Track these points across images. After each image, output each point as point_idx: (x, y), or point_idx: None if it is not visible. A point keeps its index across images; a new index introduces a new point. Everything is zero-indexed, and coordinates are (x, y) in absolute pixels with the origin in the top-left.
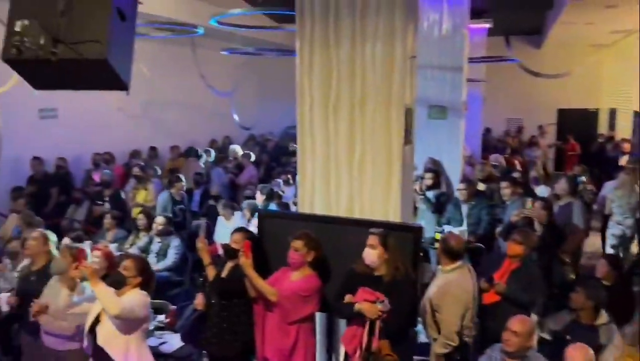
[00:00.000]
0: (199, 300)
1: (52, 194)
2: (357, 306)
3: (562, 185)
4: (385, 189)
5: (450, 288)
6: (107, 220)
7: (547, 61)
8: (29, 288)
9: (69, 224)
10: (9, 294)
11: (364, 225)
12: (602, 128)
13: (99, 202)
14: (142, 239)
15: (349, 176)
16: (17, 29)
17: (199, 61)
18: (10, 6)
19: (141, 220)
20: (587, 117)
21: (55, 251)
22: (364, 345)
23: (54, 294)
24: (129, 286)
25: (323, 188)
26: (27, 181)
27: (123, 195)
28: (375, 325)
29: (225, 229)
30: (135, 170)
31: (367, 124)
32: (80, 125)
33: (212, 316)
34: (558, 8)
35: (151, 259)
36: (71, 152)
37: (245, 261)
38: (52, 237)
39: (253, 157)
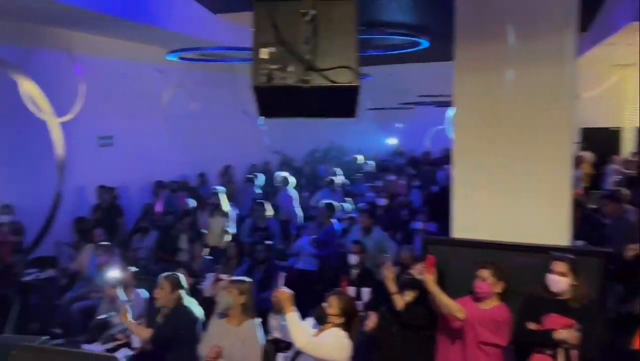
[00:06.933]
0: (373, 320)
1: (118, 224)
2: (558, 335)
3: None
4: (552, 215)
5: None
6: (197, 248)
7: None
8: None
9: (137, 254)
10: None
11: (542, 251)
12: (628, 147)
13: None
14: (239, 268)
15: (511, 201)
16: (264, 56)
17: (236, 87)
18: (254, 34)
19: (232, 248)
20: (610, 136)
21: (186, 296)
22: None
23: (224, 333)
24: (330, 324)
25: (481, 213)
26: (93, 209)
27: None
28: (570, 354)
29: None
30: (215, 198)
31: (533, 149)
32: (131, 153)
33: (392, 347)
34: (601, 31)
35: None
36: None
37: (429, 277)
38: (182, 280)
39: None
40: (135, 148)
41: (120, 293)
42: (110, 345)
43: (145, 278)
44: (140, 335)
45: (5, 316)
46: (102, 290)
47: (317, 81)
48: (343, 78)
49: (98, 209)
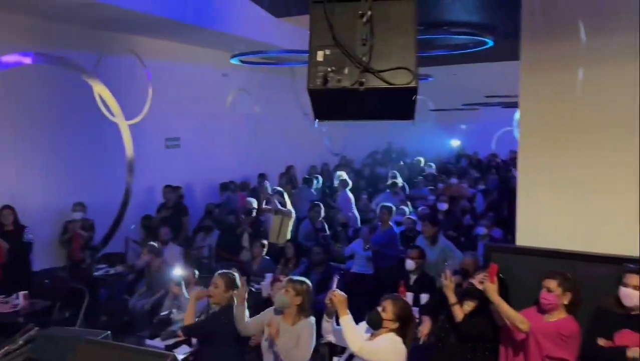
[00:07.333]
0: (427, 326)
1: (183, 222)
2: (631, 353)
3: None
4: (627, 223)
5: None
6: (257, 248)
7: None
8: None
9: (200, 252)
10: None
11: (614, 261)
12: None
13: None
14: (296, 269)
15: (580, 207)
16: (319, 58)
17: (297, 89)
18: (310, 36)
19: (290, 249)
20: None
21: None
22: None
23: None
24: (385, 329)
25: (548, 219)
26: (159, 208)
27: None
28: None
29: None
30: (279, 198)
31: (607, 152)
32: (196, 154)
33: (450, 359)
34: None
35: None
36: (183, 180)
37: (491, 286)
38: (237, 279)
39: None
40: (200, 149)
41: (184, 291)
42: (170, 342)
43: (207, 276)
44: (186, 318)
45: (78, 309)
46: (164, 287)
47: (373, 82)
48: (400, 80)
49: (164, 208)
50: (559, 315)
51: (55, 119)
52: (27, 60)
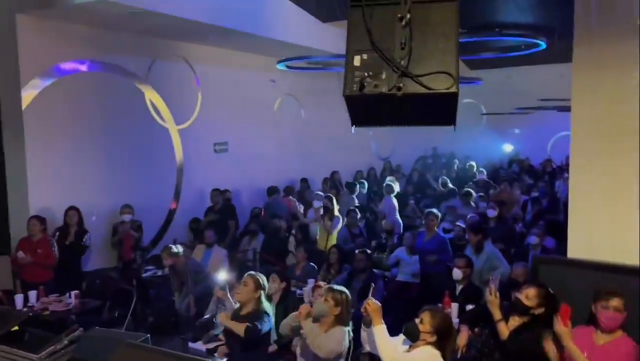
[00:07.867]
0: (464, 336)
1: (230, 226)
2: None
3: None
4: None
5: None
6: (300, 253)
7: None
8: None
9: (245, 256)
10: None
11: None
12: None
13: (286, 234)
14: (337, 275)
15: (637, 217)
16: (356, 63)
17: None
18: (347, 41)
19: (333, 255)
20: None
21: (264, 298)
22: None
23: (311, 332)
24: (422, 342)
25: (603, 230)
26: (206, 211)
27: None
28: None
29: None
30: (326, 202)
31: None
32: (244, 158)
33: None
34: None
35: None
36: (231, 184)
37: (565, 331)
38: (264, 281)
39: (397, 189)
40: (248, 154)
41: (229, 294)
42: (211, 345)
43: None
44: (239, 331)
45: (127, 309)
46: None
47: (412, 88)
48: (440, 84)
49: (211, 211)
50: (615, 335)
51: (108, 124)
52: (83, 67)
